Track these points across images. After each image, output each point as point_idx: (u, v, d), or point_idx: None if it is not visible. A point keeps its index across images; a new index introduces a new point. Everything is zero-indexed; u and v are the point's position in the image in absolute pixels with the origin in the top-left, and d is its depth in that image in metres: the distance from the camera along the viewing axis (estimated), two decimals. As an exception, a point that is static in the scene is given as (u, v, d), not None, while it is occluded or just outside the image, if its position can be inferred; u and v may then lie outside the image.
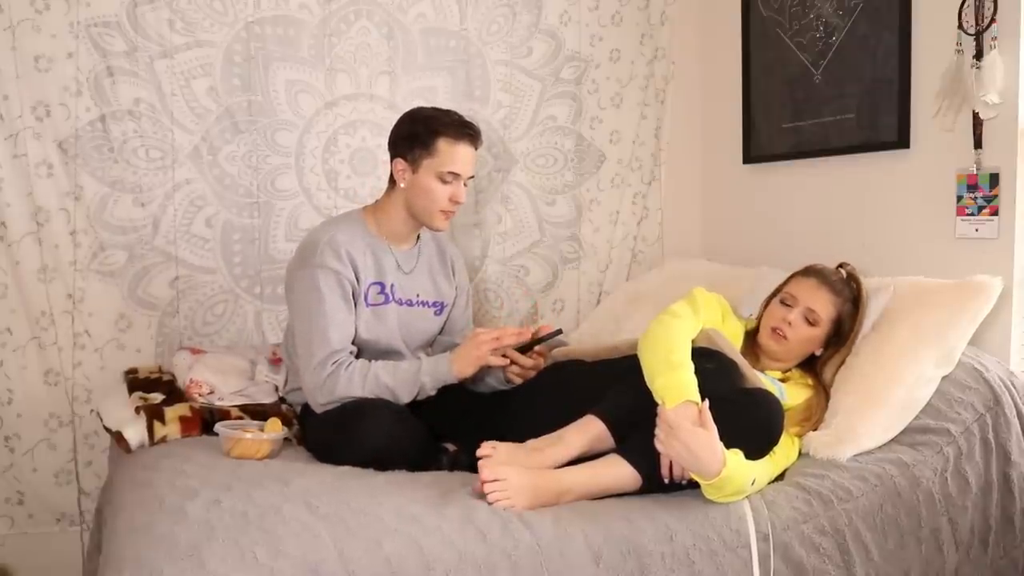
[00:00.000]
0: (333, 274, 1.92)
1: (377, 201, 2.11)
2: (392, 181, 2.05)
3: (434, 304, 2.14)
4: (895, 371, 1.84)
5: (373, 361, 1.90)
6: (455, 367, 1.89)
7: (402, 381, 1.88)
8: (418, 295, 2.10)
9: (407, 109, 2.09)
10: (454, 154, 1.97)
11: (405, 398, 1.88)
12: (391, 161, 2.04)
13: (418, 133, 1.98)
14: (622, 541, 1.48)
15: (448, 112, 2.02)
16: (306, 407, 1.98)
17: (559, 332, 1.96)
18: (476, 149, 2.02)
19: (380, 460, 1.73)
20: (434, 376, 1.89)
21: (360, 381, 1.85)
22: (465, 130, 1.99)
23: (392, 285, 2.04)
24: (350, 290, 1.95)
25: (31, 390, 2.38)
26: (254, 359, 2.26)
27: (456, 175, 1.98)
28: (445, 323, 2.20)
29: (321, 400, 1.87)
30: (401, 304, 2.06)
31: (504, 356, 1.91)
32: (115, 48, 2.37)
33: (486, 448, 1.61)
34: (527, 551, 1.42)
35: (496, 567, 1.40)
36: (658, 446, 1.53)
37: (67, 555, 2.40)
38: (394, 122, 2.07)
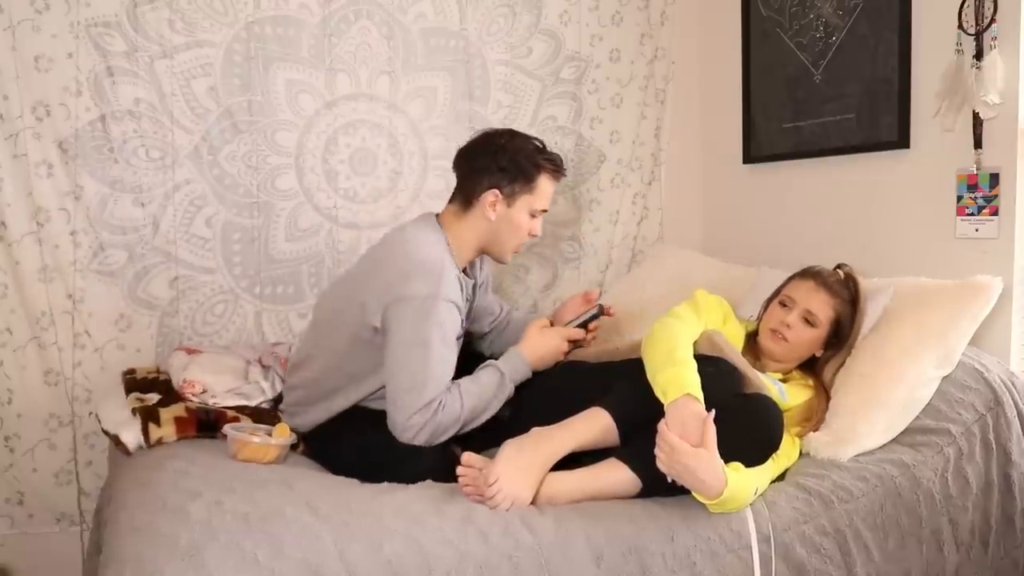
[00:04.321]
0: (455, 310, 1.81)
1: (446, 216, 1.95)
2: (467, 203, 1.91)
3: None
4: (895, 371, 1.84)
5: (450, 388, 1.79)
6: (530, 362, 1.89)
7: (492, 397, 1.82)
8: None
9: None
10: (549, 192, 1.95)
11: (496, 410, 1.85)
12: (479, 188, 1.90)
13: (522, 167, 1.89)
14: (623, 542, 1.48)
15: (545, 147, 1.95)
16: (313, 433, 1.91)
17: (600, 310, 2.03)
18: None
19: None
20: (517, 381, 1.87)
21: (458, 413, 1.77)
22: (562, 169, 1.96)
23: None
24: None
25: (31, 390, 2.38)
26: (251, 359, 2.25)
27: (544, 212, 1.96)
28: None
29: (421, 442, 1.75)
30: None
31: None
32: (115, 48, 2.37)
33: (463, 469, 1.58)
34: (528, 552, 1.43)
35: (497, 568, 1.40)
36: (660, 466, 1.53)
37: (67, 555, 2.39)
38: (460, 132, 2.04)
